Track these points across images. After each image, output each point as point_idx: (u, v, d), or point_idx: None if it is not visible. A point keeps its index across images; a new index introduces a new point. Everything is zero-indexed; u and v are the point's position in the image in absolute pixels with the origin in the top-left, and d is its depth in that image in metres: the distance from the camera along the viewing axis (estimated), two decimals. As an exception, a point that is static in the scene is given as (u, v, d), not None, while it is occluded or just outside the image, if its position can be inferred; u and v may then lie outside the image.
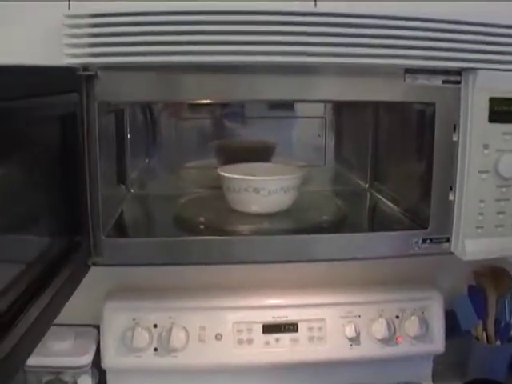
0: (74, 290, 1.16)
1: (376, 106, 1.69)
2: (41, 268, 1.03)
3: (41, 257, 1.06)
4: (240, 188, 1.41)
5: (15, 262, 0.97)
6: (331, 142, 1.79)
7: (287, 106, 1.73)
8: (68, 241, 1.18)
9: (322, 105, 1.75)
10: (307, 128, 1.80)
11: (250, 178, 1.45)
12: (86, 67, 1.17)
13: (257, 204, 1.44)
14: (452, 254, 1.34)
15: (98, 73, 1.18)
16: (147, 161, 1.76)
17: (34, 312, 0.93)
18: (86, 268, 1.24)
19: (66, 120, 1.15)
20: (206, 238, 1.34)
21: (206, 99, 1.40)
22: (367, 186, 1.78)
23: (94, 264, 1.25)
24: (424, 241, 1.32)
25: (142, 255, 1.30)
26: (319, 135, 1.77)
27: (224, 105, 1.73)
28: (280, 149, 1.77)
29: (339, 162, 1.82)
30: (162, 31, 1.15)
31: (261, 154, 1.72)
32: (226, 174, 1.47)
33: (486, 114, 1.26)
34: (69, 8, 1.20)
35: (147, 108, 1.71)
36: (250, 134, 1.79)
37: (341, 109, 1.79)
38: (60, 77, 1.11)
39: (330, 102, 1.67)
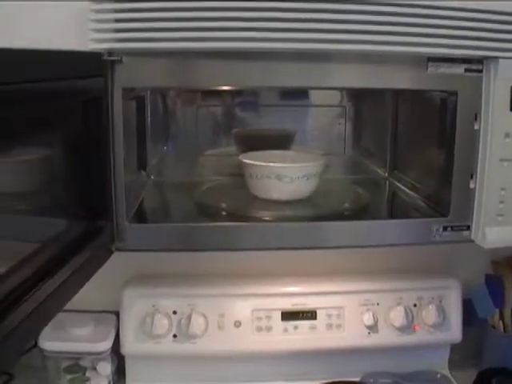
0: (94, 273, 1.16)
1: (396, 94, 1.69)
2: (60, 250, 1.05)
3: (62, 238, 1.08)
4: (262, 175, 1.41)
5: (34, 241, 0.99)
6: (351, 131, 1.80)
7: (307, 94, 1.74)
8: (91, 225, 1.19)
9: (342, 93, 1.75)
10: (327, 116, 1.81)
11: (273, 164, 1.45)
12: (110, 52, 1.17)
13: (279, 191, 1.45)
14: (472, 241, 1.34)
15: (123, 58, 1.18)
16: (167, 148, 1.78)
17: (47, 289, 0.94)
18: (109, 253, 1.25)
19: (91, 105, 1.16)
20: (228, 224, 1.35)
21: (226, 85, 1.40)
22: (386, 174, 1.79)
23: (118, 249, 1.26)
24: (445, 228, 1.32)
25: (164, 241, 1.30)
26: (340, 123, 1.78)
27: (244, 92, 1.74)
28: (299, 137, 1.78)
29: (359, 150, 1.83)
30: (187, 17, 1.14)
31: (280, 142, 1.73)
32: (248, 161, 1.48)
33: (507, 102, 1.26)
34: (94, -7, 1.20)
35: (168, 95, 1.72)
36: (269, 122, 1.79)
37: (361, 97, 1.80)
38: (85, 62, 1.12)
39: (351, 89, 1.67)
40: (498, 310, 1.69)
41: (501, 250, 1.55)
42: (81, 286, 1.10)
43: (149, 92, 1.63)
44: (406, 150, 1.68)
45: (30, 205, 1.01)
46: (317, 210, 1.48)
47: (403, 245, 1.37)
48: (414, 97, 1.57)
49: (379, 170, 1.80)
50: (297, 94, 1.73)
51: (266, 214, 1.44)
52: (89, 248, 1.13)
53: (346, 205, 1.51)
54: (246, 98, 1.77)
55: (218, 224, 1.35)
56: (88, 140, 1.17)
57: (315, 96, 1.76)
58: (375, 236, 1.33)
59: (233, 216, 1.44)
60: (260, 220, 1.42)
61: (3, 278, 0.86)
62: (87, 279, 1.13)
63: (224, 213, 1.47)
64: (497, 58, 1.24)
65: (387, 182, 1.77)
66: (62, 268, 1.01)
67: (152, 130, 1.67)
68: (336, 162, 1.76)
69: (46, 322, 0.97)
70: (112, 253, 1.26)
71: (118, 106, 1.20)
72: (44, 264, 0.98)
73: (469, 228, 1.33)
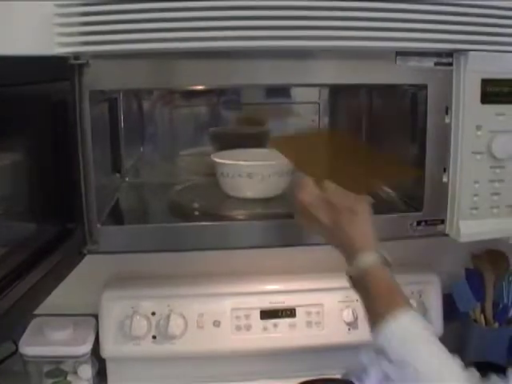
0: (66, 275, 1.16)
1: (369, 89, 1.69)
2: (30, 253, 1.05)
3: (31, 242, 1.08)
4: (234, 174, 1.41)
5: (3, 245, 0.98)
6: (325, 127, 1.79)
7: (281, 91, 1.74)
8: (62, 228, 1.19)
9: (315, 90, 1.76)
10: (301, 113, 1.81)
11: (243, 163, 1.45)
12: (77, 56, 1.17)
13: (251, 189, 1.45)
14: (447, 235, 1.34)
15: (90, 61, 1.18)
16: (142, 149, 1.77)
17: (18, 291, 0.94)
18: (81, 256, 1.25)
19: (58, 108, 1.16)
20: (200, 223, 1.34)
21: (198, 85, 1.39)
22: (362, 169, 1.78)
23: (90, 252, 1.26)
24: (419, 223, 1.33)
25: (138, 242, 1.30)
26: (313, 120, 1.78)
27: (218, 92, 1.74)
28: (275, 135, 1.77)
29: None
30: (153, 18, 1.14)
31: (256, 140, 1.71)
32: (219, 160, 1.48)
33: (478, 95, 1.26)
34: (59, -4, 1.20)
35: (141, 96, 1.71)
36: (244, 120, 1.79)
37: (334, 93, 1.80)
38: (52, 66, 1.12)
39: (324, 85, 1.67)
40: (479, 304, 1.69)
41: (480, 243, 1.54)
42: (53, 288, 1.10)
43: (121, 93, 1.62)
44: (380, 145, 1.68)
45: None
46: (291, 207, 1.48)
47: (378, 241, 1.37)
48: (387, 91, 1.57)
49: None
50: (271, 92, 1.73)
51: (239, 213, 1.44)
52: (60, 251, 1.13)
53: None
54: (221, 97, 1.77)
55: (191, 224, 1.35)
56: (57, 143, 1.16)
57: (290, 93, 1.77)
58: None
59: (206, 216, 1.43)
60: (233, 219, 1.42)
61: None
62: (59, 281, 1.13)
63: (197, 213, 1.47)
64: (467, 50, 1.24)
65: (364, 178, 1.76)
66: (33, 271, 1.01)
67: (126, 132, 1.66)
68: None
69: (18, 324, 0.97)
70: (84, 255, 1.26)
71: (85, 108, 1.20)
72: (15, 267, 0.98)
73: (443, 222, 1.34)
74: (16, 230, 1.06)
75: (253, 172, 1.42)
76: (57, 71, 1.14)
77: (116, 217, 1.44)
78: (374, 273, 1.05)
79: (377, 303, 1.02)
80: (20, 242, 1.05)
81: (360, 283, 1.08)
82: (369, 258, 1.07)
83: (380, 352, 0.96)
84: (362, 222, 1.13)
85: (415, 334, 0.97)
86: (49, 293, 1.08)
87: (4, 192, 1.01)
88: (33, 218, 1.12)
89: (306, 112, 1.79)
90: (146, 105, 1.75)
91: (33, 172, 1.11)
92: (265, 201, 1.46)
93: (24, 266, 1.00)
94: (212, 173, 1.53)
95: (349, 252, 1.11)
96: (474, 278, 1.70)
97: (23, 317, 0.99)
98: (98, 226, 1.26)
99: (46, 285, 1.06)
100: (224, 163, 1.47)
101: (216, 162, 1.49)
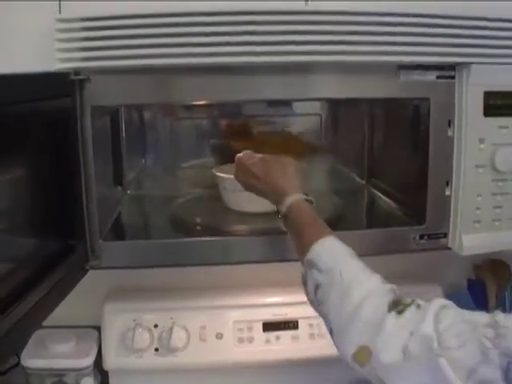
0: (69, 292, 1.17)
1: (371, 101, 1.69)
2: (33, 270, 1.05)
3: (34, 259, 1.08)
4: (234, 188, 1.40)
5: (6, 261, 0.98)
6: (327, 139, 1.79)
7: (283, 104, 1.73)
8: (65, 244, 1.19)
9: (317, 102, 1.75)
10: (303, 125, 1.80)
11: None
12: (78, 71, 1.17)
13: (251, 203, 1.44)
14: (450, 249, 1.34)
15: (91, 77, 1.17)
16: (144, 162, 1.77)
17: (21, 310, 0.94)
18: (83, 271, 1.25)
19: (60, 124, 1.16)
20: (203, 239, 1.35)
21: (199, 100, 1.40)
22: (364, 182, 1.79)
23: (92, 267, 1.26)
24: (421, 237, 1.33)
25: (140, 257, 1.30)
26: (315, 132, 1.77)
27: (220, 104, 1.73)
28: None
29: (336, 158, 1.82)
30: (154, 34, 1.14)
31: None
32: (219, 174, 1.49)
33: (480, 108, 1.26)
34: (59, 12, 1.19)
35: (142, 109, 1.71)
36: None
37: (336, 105, 1.79)
38: (52, 82, 1.12)
39: (325, 100, 1.67)
40: (481, 314, 1.68)
41: (482, 253, 1.54)
42: (56, 305, 1.11)
43: (122, 107, 1.62)
44: (382, 157, 1.68)
45: (1, 225, 1.01)
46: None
47: (381, 254, 1.36)
48: (389, 104, 1.57)
49: (357, 178, 1.80)
50: (273, 104, 1.72)
51: (242, 228, 1.44)
52: (63, 267, 1.13)
53: (323, 216, 1.50)
54: (222, 109, 1.76)
55: (193, 240, 1.36)
56: (58, 158, 1.16)
57: (292, 105, 1.76)
58: (352, 247, 1.31)
59: (208, 230, 1.43)
60: (235, 234, 1.42)
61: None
62: (62, 298, 1.14)
63: (199, 227, 1.47)
64: (469, 63, 1.24)
65: (366, 190, 1.76)
66: (36, 288, 1.01)
67: (127, 145, 1.66)
68: (313, 170, 1.76)
69: (23, 341, 0.98)
70: (87, 271, 1.25)
71: (87, 124, 1.20)
72: (18, 284, 0.98)
73: (446, 235, 1.34)
74: (18, 246, 1.06)
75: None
76: (58, 87, 1.14)
77: (118, 232, 1.44)
78: (299, 206, 1.18)
79: (306, 232, 1.14)
80: (23, 258, 1.05)
81: (289, 218, 1.19)
82: (295, 197, 1.19)
83: (312, 265, 1.08)
84: (290, 171, 1.26)
85: (342, 249, 1.10)
86: (52, 310, 1.08)
87: (6, 207, 1.01)
88: (35, 233, 1.12)
89: (308, 124, 1.79)
90: (147, 117, 1.75)
91: (35, 187, 1.10)
92: (267, 215, 1.45)
93: (27, 283, 1.00)
94: (214, 185, 1.53)
95: (278, 196, 1.22)
96: (476, 288, 1.70)
97: (26, 334, 0.99)
98: (100, 241, 1.26)
99: (49, 302, 1.07)
100: (224, 177, 1.47)
101: (217, 175, 1.50)
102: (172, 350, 1.58)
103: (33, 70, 1.02)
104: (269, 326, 1.62)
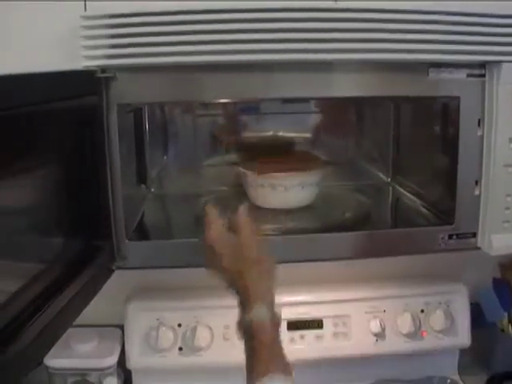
0: (96, 294, 1.17)
1: (397, 99, 1.67)
2: (61, 271, 1.05)
3: (61, 259, 1.08)
4: (257, 184, 1.40)
5: (34, 262, 0.99)
6: (353, 136, 1.78)
7: (308, 100, 1.71)
8: (90, 244, 1.19)
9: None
10: (329, 122, 1.78)
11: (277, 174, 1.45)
12: (104, 69, 1.16)
13: (275, 200, 1.44)
14: (479, 249, 1.32)
15: (117, 74, 1.17)
16: (167, 159, 1.76)
17: (51, 312, 0.94)
18: (110, 272, 1.24)
19: (86, 123, 1.15)
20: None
21: (223, 99, 1.37)
22: (389, 179, 1.77)
23: (118, 267, 1.25)
24: (450, 237, 1.31)
25: (165, 258, 1.30)
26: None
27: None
28: (302, 143, 1.76)
29: (361, 155, 1.81)
30: (180, 31, 1.13)
31: (282, 149, 1.70)
32: (242, 170, 1.50)
33: (511, 107, 1.24)
34: (85, 9, 1.19)
35: (165, 106, 1.70)
36: (269, 129, 1.77)
37: (362, 103, 1.77)
38: (79, 80, 1.11)
39: (351, 98, 1.65)
40: (506, 314, 1.67)
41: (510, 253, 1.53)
42: (85, 306, 1.11)
43: (146, 105, 1.61)
44: (408, 155, 1.67)
45: (29, 225, 1.00)
46: (319, 220, 1.47)
47: (408, 254, 1.35)
48: (417, 102, 1.55)
49: (382, 176, 1.79)
50: (297, 101, 1.70)
51: (267, 226, 1.42)
52: (90, 268, 1.13)
53: (348, 214, 1.50)
54: (245, 106, 1.75)
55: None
56: (84, 158, 1.16)
57: (316, 102, 1.75)
58: (378, 247, 1.32)
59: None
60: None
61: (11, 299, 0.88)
62: (91, 299, 1.14)
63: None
64: (499, 62, 1.23)
65: (390, 188, 1.75)
66: (65, 290, 1.02)
67: (151, 142, 1.65)
68: (339, 168, 1.75)
69: (52, 343, 0.97)
70: (113, 271, 1.25)
71: (113, 122, 1.19)
72: (47, 286, 0.98)
73: (475, 235, 1.32)
74: (46, 247, 1.06)
75: (276, 183, 1.43)
76: (84, 85, 1.13)
77: (143, 231, 1.43)
78: (261, 328, 1.08)
79: (256, 360, 1.06)
80: (51, 259, 1.05)
81: (246, 335, 1.11)
82: (260, 312, 1.09)
83: None
84: (265, 276, 1.16)
85: None
86: (80, 311, 1.08)
87: (34, 206, 1.01)
88: (62, 233, 1.12)
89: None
90: (170, 114, 1.73)
91: (61, 186, 1.11)
92: (293, 212, 1.44)
93: (55, 284, 1.00)
94: (237, 183, 1.52)
95: (244, 301, 1.13)
96: (502, 288, 1.68)
97: (57, 336, 0.98)
98: (127, 241, 1.25)
99: (78, 303, 1.07)
100: (247, 173, 1.49)
101: (241, 171, 1.50)
102: (196, 350, 1.57)
103: (59, 69, 1.01)
104: (293, 325, 1.61)
